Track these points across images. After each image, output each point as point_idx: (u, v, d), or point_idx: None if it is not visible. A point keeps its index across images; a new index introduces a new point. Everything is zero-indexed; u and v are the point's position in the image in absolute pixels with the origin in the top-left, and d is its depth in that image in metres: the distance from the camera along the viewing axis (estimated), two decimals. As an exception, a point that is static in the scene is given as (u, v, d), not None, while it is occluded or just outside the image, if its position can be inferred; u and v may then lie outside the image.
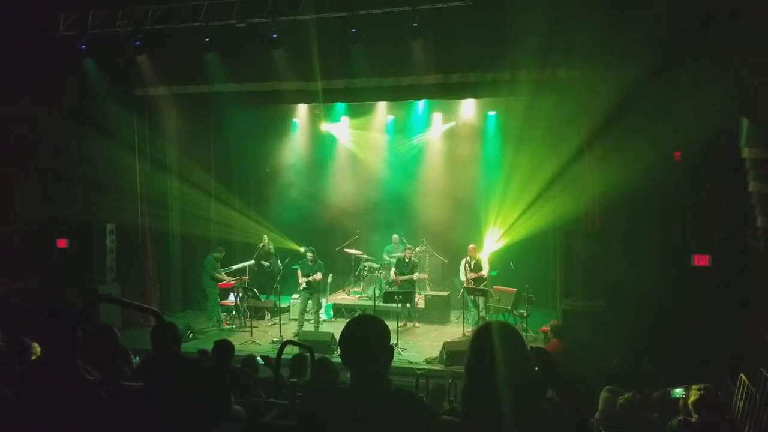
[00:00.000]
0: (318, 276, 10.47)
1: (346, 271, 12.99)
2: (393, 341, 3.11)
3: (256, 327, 10.60)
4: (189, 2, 9.32)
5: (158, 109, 11.06)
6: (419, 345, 9.77)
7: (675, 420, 4.45)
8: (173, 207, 12.07)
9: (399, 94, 10.04)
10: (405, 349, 9.37)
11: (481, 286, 10.17)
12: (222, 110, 12.26)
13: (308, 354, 5.70)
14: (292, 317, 11.26)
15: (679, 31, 7.21)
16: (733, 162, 7.30)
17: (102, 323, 5.84)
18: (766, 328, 6.79)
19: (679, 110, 7.92)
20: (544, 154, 9.56)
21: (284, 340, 6.12)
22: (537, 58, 8.29)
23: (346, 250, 12.67)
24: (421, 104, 12.67)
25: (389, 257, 12.10)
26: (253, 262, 12.01)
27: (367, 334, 2.25)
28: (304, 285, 10.48)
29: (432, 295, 11.51)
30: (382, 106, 13.09)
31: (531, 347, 2.29)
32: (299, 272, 10.68)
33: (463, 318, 10.43)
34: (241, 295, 11.11)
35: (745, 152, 7.04)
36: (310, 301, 10.59)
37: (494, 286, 10.60)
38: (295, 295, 11.33)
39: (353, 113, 13.43)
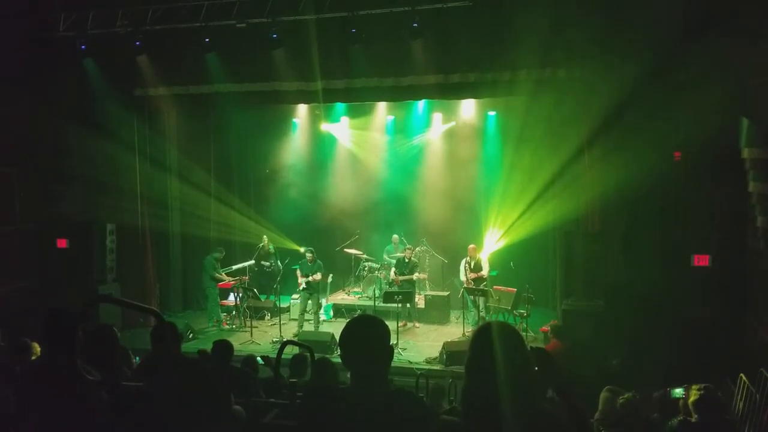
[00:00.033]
0: (318, 276, 10.47)
1: (346, 271, 12.98)
2: (393, 341, 3.11)
3: (256, 327, 10.60)
4: (189, 2, 9.32)
5: (158, 109, 11.06)
6: (419, 345, 9.77)
7: (675, 420, 4.45)
8: (173, 207, 12.07)
9: (399, 94, 10.03)
10: (405, 349, 9.37)
11: (481, 286, 10.17)
12: (222, 110, 12.26)
13: (308, 354, 5.70)
14: (292, 317, 11.26)
15: (679, 31, 7.21)
16: (733, 162, 7.31)
17: (102, 323, 5.84)
18: (766, 328, 6.79)
19: (679, 110, 7.92)
20: (544, 154, 9.55)
21: (284, 340, 6.13)
22: (537, 58, 8.29)
23: (346, 250, 12.67)
24: (421, 104, 12.67)
25: (389, 257, 12.10)
26: (253, 262, 12.01)
27: (367, 334, 2.25)
28: (303, 285, 10.48)
29: (432, 295, 11.51)
30: (382, 106, 13.09)
31: (531, 347, 2.29)
32: (298, 272, 10.68)
33: (463, 318, 10.43)
34: (241, 295, 11.11)
35: (745, 152, 7.04)
36: (309, 302, 10.59)
37: (494, 286, 10.60)
38: (295, 295, 11.33)
39: (353, 113, 13.42)
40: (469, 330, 9.81)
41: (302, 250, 11.28)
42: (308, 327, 10.41)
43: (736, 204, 7.64)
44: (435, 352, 9.02)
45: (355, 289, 12.56)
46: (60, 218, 10.64)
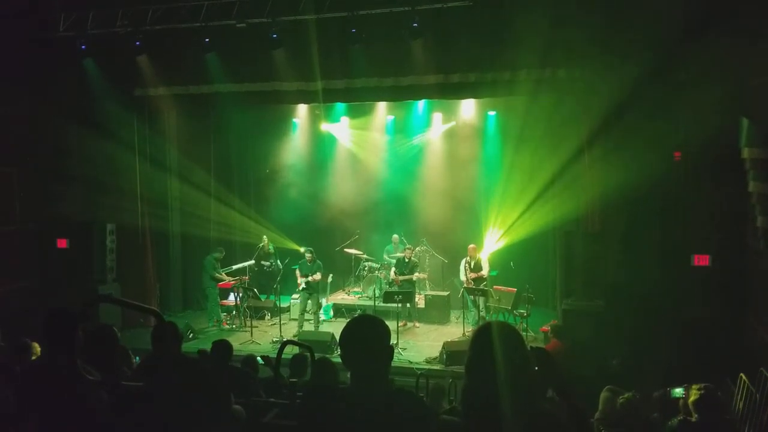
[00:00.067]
0: (317, 276, 10.47)
1: (346, 271, 12.98)
2: (393, 341, 3.11)
3: (256, 327, 10.60)
4: (189, 2, 9.31)
5: (158, 109, 11.06)
6: (419, 345, 9.77)
7: (675, 420, 4.45)
8: (173, 207, 12.07)
9: (399, 94, 10.04)
10: (405, 349, 9.37)
11: (481, 286, 10.17)
12: (222, 110, 12.26)
13: (308, 354, 5.70)
14: (292, 317, 11.26)
15: (679, 31, 7.21)
16: (733, 162, 7.31)
17: (102, 323, 5.84)
18: (766, 328, 6.79)
19: (679, 110, 7.92)
20: (544, 154, 9.55)
21: (284, 340, 6.13)
22: (537, 58, 8.28)
23: (346, 250, 12.67)
24: (421, 104, 12.67)
25: (389, 257, 12.10)
26: (253, 262, 12.02)
27: (367, 334, 2.25)
28: (303, 285, 10.48)
29: (432, 295, 11.51)
30: (382, 106, 13.09)
31: (531, 347, 2.29)
32: (298, 272, 10.68)
33: (463, 318, 10.43)
34: (241, 295, 11.11)
35: (745, 152, 7.04)
36: (309, 301, 10.59)
37: (494, 286, 10.60)
38: (295, 295, 11.33)
39: (353, 113, 13.42)
40: (469, 330, 9.81)
41: (302, 250, 11.28)
42: (308, 327, 10.41)
43: (736, 204, 7.64)
44: (435, 352, 9.02)
45: (355, 289, 12.56)
46: (60, 218, 10.64)
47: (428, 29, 8.71)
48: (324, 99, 10.10)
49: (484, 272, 10.43)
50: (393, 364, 2.35)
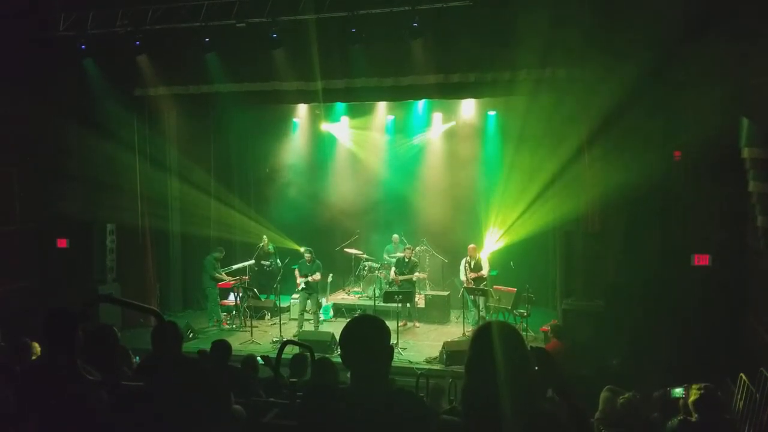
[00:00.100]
0: (317, 276, 10.47)
1: (346, 271, 12.98)
2: (393, 341, 3.11)
3: (256, 327, 10.60)
4: (189, 2, 9.31)
5: (158, 109, 11.06)
6: (419, 345, 9.77)
7: (675, 420, 4.45)
8: (173, 207, 12.06)
9: (399, 94, 10.04)
10: (405, 348, 9.37)
11: (481, 286, 10.17)
12: (222, 110, 12.27)
13: (308, 354, 5.70)
14: (292, 317, 11.26)
15: (679, 31, 7.21)
16: (733, 162, 7.30)
17: (102, 323, 5.84)
18: (766, 328, 6.79)
19: (679, 110, 7.91)
20: (544, 154, 9.55)
21: (284, 339, 6.13)
22: (537, 58, 8.28)
23: (346, 250, 12.67)
24: (421, 104, 12.66)
25: (389, 257, 12.09)
26: (253, 261, 12.01)
27: (367, 333, 2.25)
28: (302, 285, 10.48)
29: (432, 295, 11.51)
30: (382, 106, 13.09)
31: (531, 347, 2.29)
32: (297, 272, 10.68)
33: (463, 318, 10.43)
34: (241, 294, 11.11)
35: (745, 152, 7.04)
36: (308, 301, 10.59)
37: (494, 286, 10.61)
38: (295, 295, 11.32)
39: (353, 113, 13.42)
40: (469, 330, 9.80)
41: (302, 250, 11.28)
42: (308, 327, 10.41)
43: (736, 204, 7.64)
44: (435, 351, 9.03)
45: (355, 289, 12.56)
46: (60, 218, 10.64)
47: (428, 29, 8.71)
48: (324, 99, 10.11)
49: (484, 272, 10.43)
50: (393, 364, 2.35)
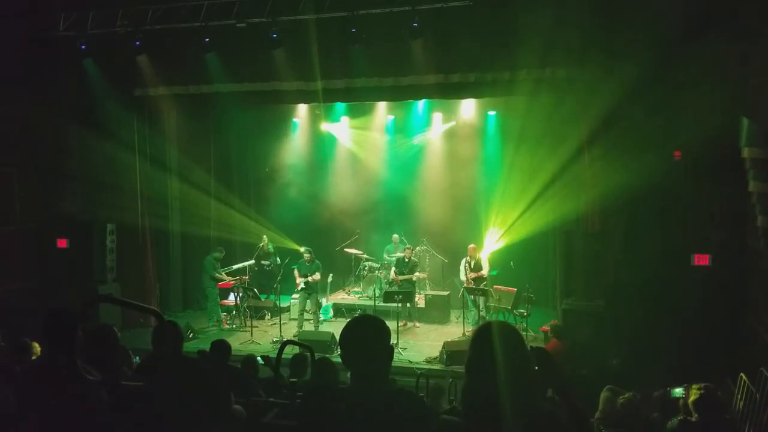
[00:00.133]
0: (317, 276, 10.47)
1: (346, 271, 12.99)
2: (393, 341, 3.10)
3: (256, 327, 10.61)
4: (189, 2, 9.31)
5: (158, 109, 11.06)
6: (419, 345, 9.78)
7: (675, 419, 4.45)
8: (173, 207, 12.07)
9: (399, 94, 10.04)
10: (405, 348, 9.37)
11: (481, 286, 10.17)
12: (222, 110, 12.26)
13: (308, 354, 5.70)
14: (292, 317, 11.26)
15: (679, 31, 7.21)
16: (733, 162, 7.30)
17: (102, 323, 5.83)
18: (766, 328, 6.79)
19: (679, 110, 7.90)
20: (544, 154, 9.54)
21: (284, 339, 6.13)
22: (537, 58, 8.28)
23: (346, 250, 12.67)
24: (421, 104, 12.66)
25: (389, 257, 12.10)
26: (252, 261, 12.01)
27: (367, 333, 2.25)
28: (302, 285, 10.48)
29: (432, 295, 11.51)
30: (382, 106, 13.09)
31: (531, 347, 2.29)
32: (296, 272, 10.68)
33: (463, 318, 10.43)
34: (241, 294, 11.11)
35: (745, 152, 7.03)
36: (308, 301, 10.59)
37: (494, 286, 10.60)
38: (295, 295, 11.32)
39: (353, 113, 13.42)
40: (470, 330, 9.80)
41: (301, 250, 11.29)
42: (308, 327, 10.41)
43: (736, 204, 7.64)
44: (435, 351, 9.03)
45: (355, 289, 12.56)
46: (60, 218, 10.64)
47: (428, 29, 8.71)
48: (324, 99, 10.10)
49: (484, 272, 10.43)
50: (393, 364, 2.35)
